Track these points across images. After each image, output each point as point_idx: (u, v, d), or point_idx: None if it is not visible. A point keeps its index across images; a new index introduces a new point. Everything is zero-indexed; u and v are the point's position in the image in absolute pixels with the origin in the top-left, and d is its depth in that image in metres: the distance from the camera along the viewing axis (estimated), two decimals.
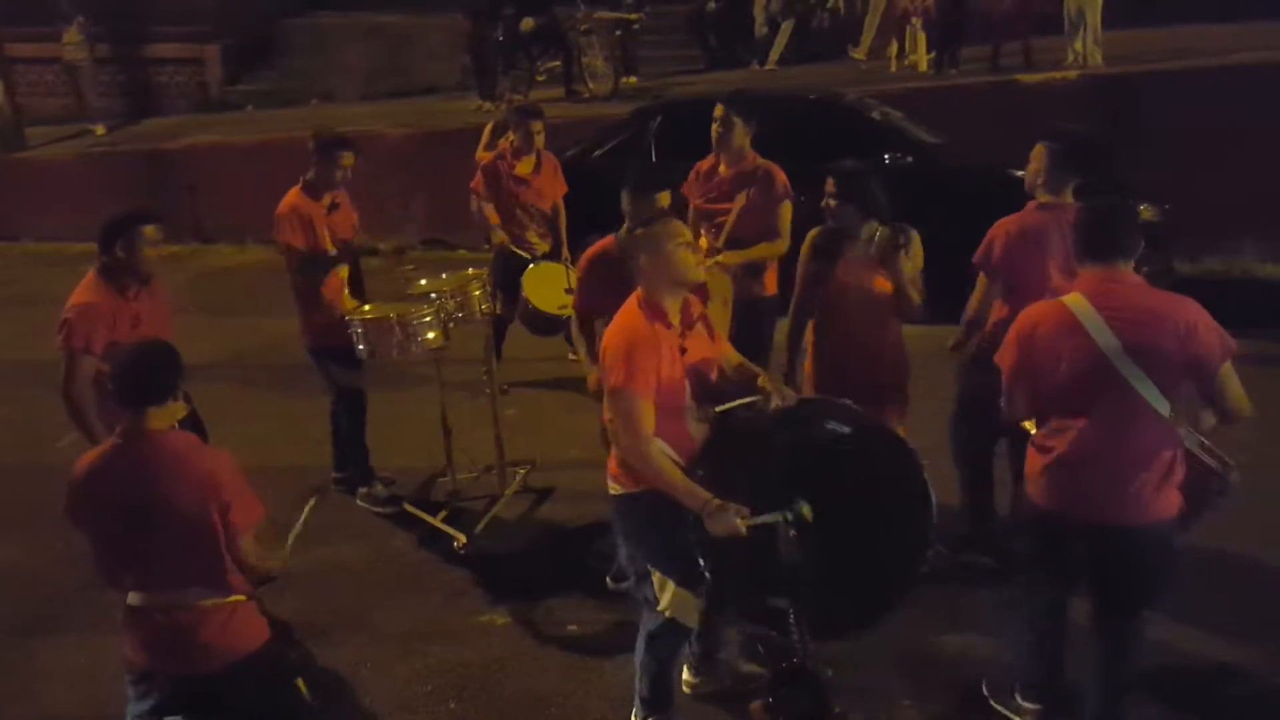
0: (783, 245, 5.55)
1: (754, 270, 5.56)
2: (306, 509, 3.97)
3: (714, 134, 5.60)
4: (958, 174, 8.29)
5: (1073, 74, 11.26)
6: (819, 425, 3.68)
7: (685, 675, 4.37)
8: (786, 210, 5.55)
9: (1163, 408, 3.45)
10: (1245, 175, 9.21)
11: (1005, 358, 3.73)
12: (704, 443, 3.72)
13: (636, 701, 4.08)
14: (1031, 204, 4.67)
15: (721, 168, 5.66)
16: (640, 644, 3.98)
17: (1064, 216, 4.27)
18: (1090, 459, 3.54)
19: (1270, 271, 9.34)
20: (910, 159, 8.41)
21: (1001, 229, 4.63)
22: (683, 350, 3.68)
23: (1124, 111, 10.14)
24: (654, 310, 3.66)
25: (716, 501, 3.43)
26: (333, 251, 5.73)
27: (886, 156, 8.29)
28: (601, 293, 4.44)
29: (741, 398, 3.77)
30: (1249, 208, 9.23)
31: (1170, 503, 3.58)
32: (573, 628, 4.97)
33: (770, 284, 5.69)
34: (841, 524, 3.46)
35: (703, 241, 5.45)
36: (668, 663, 4.01)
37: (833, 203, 4.67)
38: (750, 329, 5.35)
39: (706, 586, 3.67)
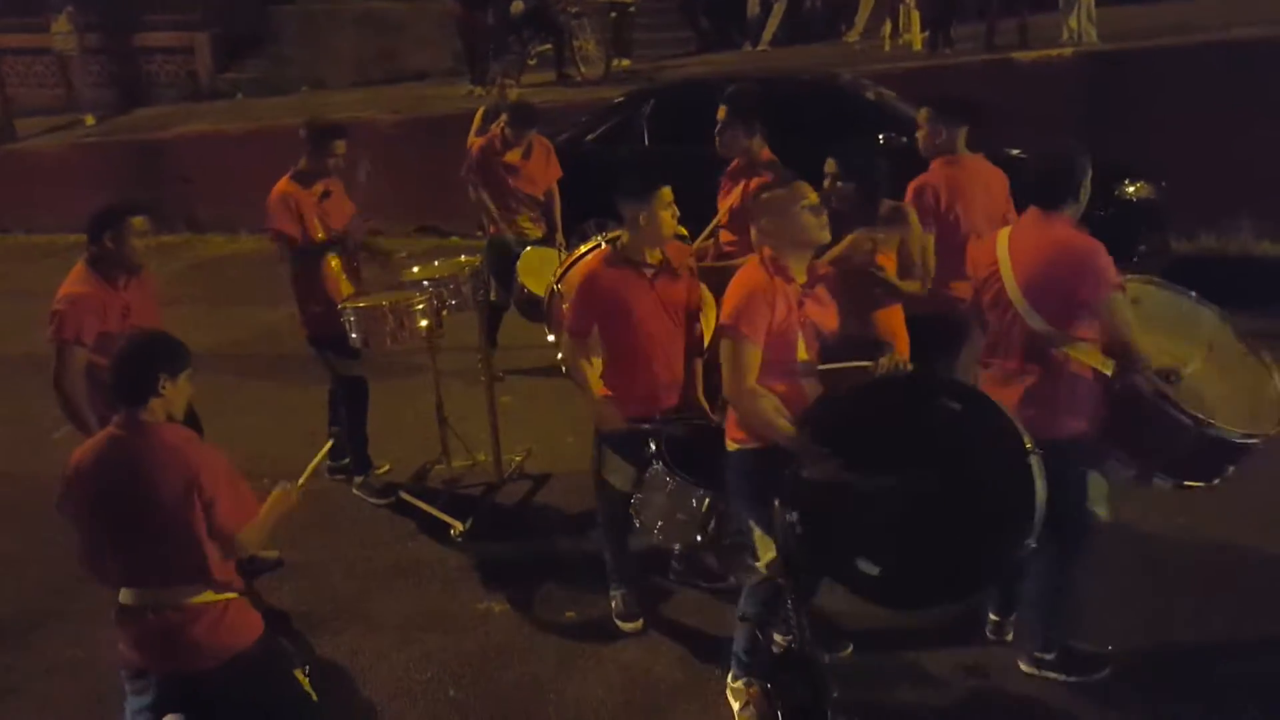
0: None
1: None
2: (322, 452, 4.04)
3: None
4: None
5: (1068, 51, 11.20)
6: (931, 396, 3.60)
7: (777, 636, 4.23)
8: None
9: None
10: (1242, 153, 9.18)
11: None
12: (814, 400, 3.74)
13: (732, 660, 4.14)
14: (936, 163, 5.09)
15: (735, 162, 5.60)
16: (741, 600, 4.03)
17: (971, 168, 5.05)
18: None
19: (1267, 249, 9.32)
20: (905, 139, 8.36)
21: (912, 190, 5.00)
22: (800, 303, 3.74)
23: (1119, 89, 10.10)
24: (777, 267, 3.73)
25: (817, 448, 3.48)
26: (321, 237, 5.68)
27: (882, 136, 8.26)
28: (596, 312, 4.39)
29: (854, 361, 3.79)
30: (1246, 186, 9.20)
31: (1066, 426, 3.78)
32: (571, 614, 4.96)
33: None
34: (941, 496, 3.38)
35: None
36: (764, 621, 3.99)
37: (838, 184, 4.64)
38: None
39: (801, 546, 3.59)
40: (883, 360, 3.68)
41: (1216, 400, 3.76)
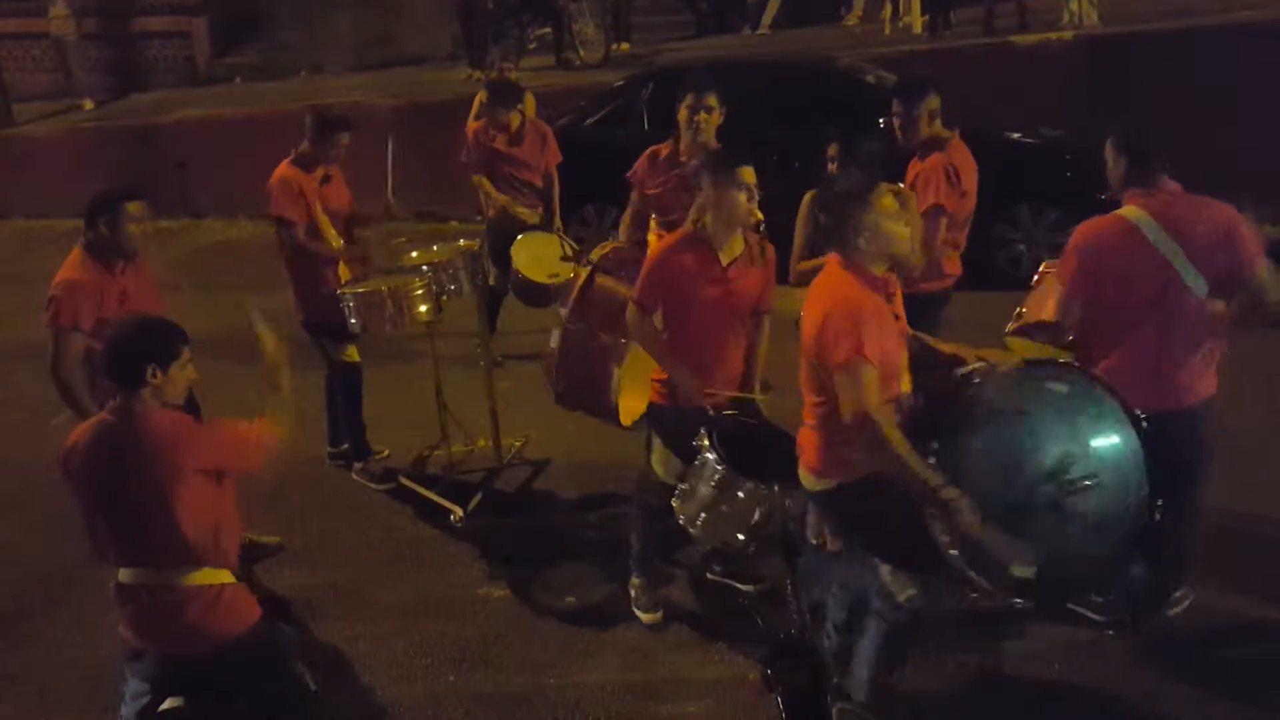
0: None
1: None
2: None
3: (697, 124, 5.10)
4: None
5: (1068, 35, 11.17)
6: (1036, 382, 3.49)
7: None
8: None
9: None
10: (1243, 135, 9.14)
11: (1064, 269, 3.92)
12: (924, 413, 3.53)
13: (857, 689, 3.76)
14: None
15: (683, 154, 5.21)
16: (868, 651, 3.67)
17: (961, 145, 5.01)
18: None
19: (1268, 233, 9.26)
20: None
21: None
22: (895, 316, 3.59)
23: (1119, 72, 10.06)
24: (869, 279, 3.51)
25: (954, 492, 3.21)
26: (331, 233, 5.67)
27: (882, 120, 8.22)
28: (663, 290, 4.17)
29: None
30: (1247, 168, 9.14)
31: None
32: (570, 599, 4.96)
33: None
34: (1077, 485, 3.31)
35: (653, 238, 5.25)
36: (900, 659, 3.75)
37: (834, 166, 4.67)
38: None
39: (955, 564, 3.38)
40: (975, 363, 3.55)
41: None
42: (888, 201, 3.51)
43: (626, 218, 5.61)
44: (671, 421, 4.26)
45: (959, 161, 5.00)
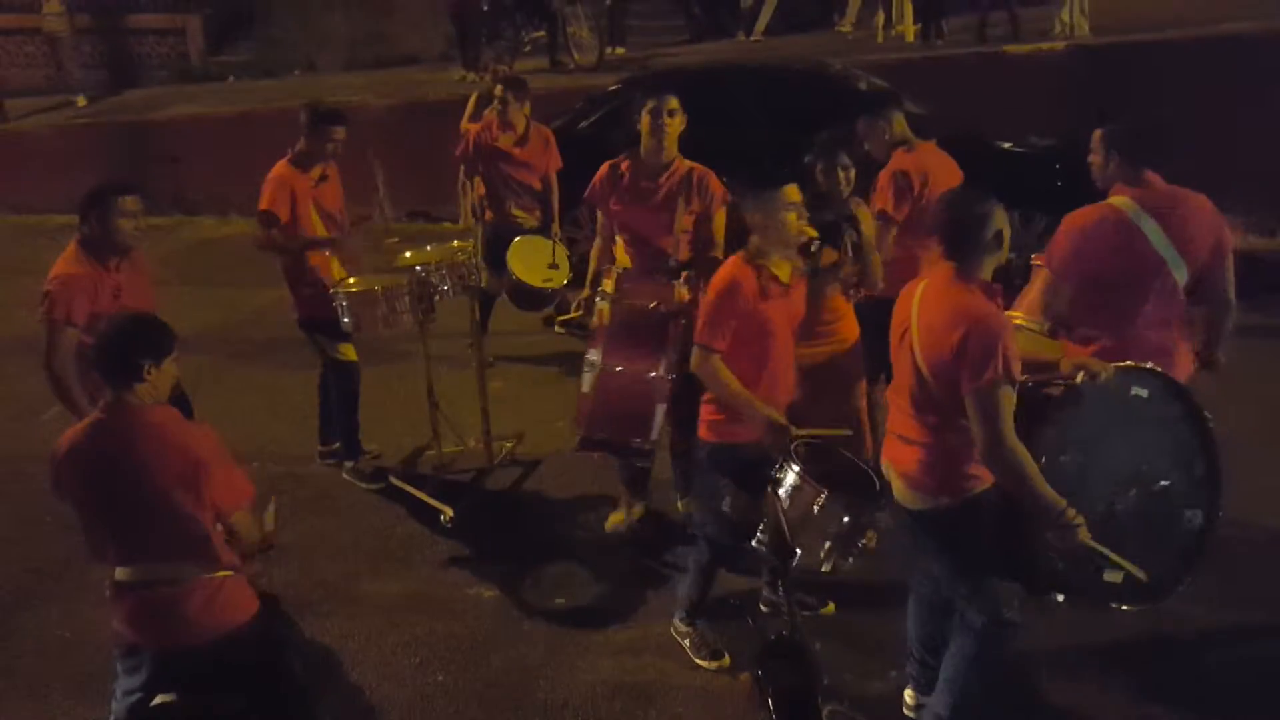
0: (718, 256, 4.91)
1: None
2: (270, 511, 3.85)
3: (661, 127, 4.89)
4: (943, 145, 8.28)
5: (1060, 45, 11.23)
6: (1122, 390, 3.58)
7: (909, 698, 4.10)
8: (722, 219, 4.98)
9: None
10: (1232, 146, 9.20)
11: (1052, 253, 4.08)
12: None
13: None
14: (898, 153, 5.29)
15: (649, 168, 5.00)
16: (959, 668, 3.66)
17: (930, 151, 5.29)
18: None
19: (1256, 244, 9.34)
20: None
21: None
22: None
23: (1110, 82, 10.12)
24: (988, 289, 3.42)
25: (1072, 515, 3.26)
26: (321, 231, 5.68)
27: None
28: (735, 325, 3.97)
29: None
30: (1234, 178, 9.21)
31: None
32: (560, 600, 4.98)
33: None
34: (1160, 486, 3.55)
35: (619, 252, 5.08)
36: (994, 675, 3.70)
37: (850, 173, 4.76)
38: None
39: (1050, 573, 3.49)
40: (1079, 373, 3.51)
41: None
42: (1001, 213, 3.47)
43: (596, 247, 5.30)
44: (742, 461, 4.04)
45: (930, 168, 5.14)
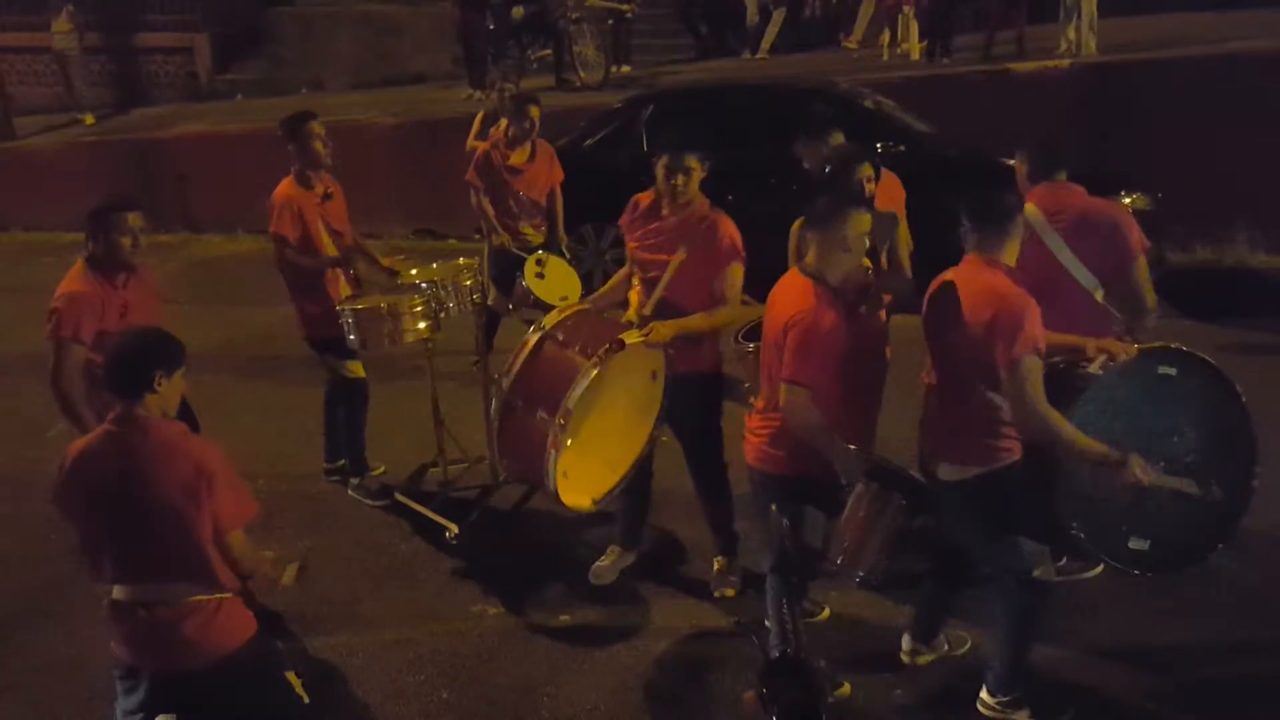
0: (725, 315, 4.64)
1: (692, 340, 4.65)
2: (292, 570, 3.90)
3: (674, 188, 4.64)
4: (950, 163, 8.30)
5: (1065, 63, 11.25)
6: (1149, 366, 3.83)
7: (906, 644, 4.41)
8: (734, 273, 4.62)
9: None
10: (1238, 164, 9.21)
11: None
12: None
13: (1004, 682, 4.00)
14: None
15: (665, 209, 4.75)
16: (1003, 635, 3.95)
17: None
18: None
19: (1262, 261, 9.34)
20: (903, 147, 8.40)
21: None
22: None
23: (1116, 100, 10.14)
24: (1012, 272, 3.69)
25: (1117, 454, 3.52)
26: (331, 253, 5.69)
27: (879, 145, 8.28)
28: (826, 356, 3.83)
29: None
30: (1241, 197, 9.24)
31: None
32: (565, 618, 4.96)
33: (710, 358, 4.80)
34: (1195, 454, 3.74)
35: (633, 296, 4.88)
36: (1035, 635, 3.97)
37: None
38: (690, 411, 4.79)
39: (1074, 540, 3.77)
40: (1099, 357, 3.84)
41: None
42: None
43: (620, 275, 5.12)
44: (818, 489, 3.97)
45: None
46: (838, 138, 5.25)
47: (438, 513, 5.76)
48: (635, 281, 4.90)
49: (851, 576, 3.91)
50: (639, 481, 4.99)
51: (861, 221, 3.85)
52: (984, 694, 4.08)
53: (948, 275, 3.85)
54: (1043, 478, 3.72)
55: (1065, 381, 3.74)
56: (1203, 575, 4.56)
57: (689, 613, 4.89)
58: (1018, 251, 3.76)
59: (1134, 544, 3.76)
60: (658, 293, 4.63)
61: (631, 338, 4.42)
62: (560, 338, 4.54)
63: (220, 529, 3.27)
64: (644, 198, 4.88)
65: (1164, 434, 3.76)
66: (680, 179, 4.61)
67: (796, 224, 4.69)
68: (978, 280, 3.69)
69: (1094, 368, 3.87)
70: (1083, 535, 3.74)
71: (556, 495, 4.44)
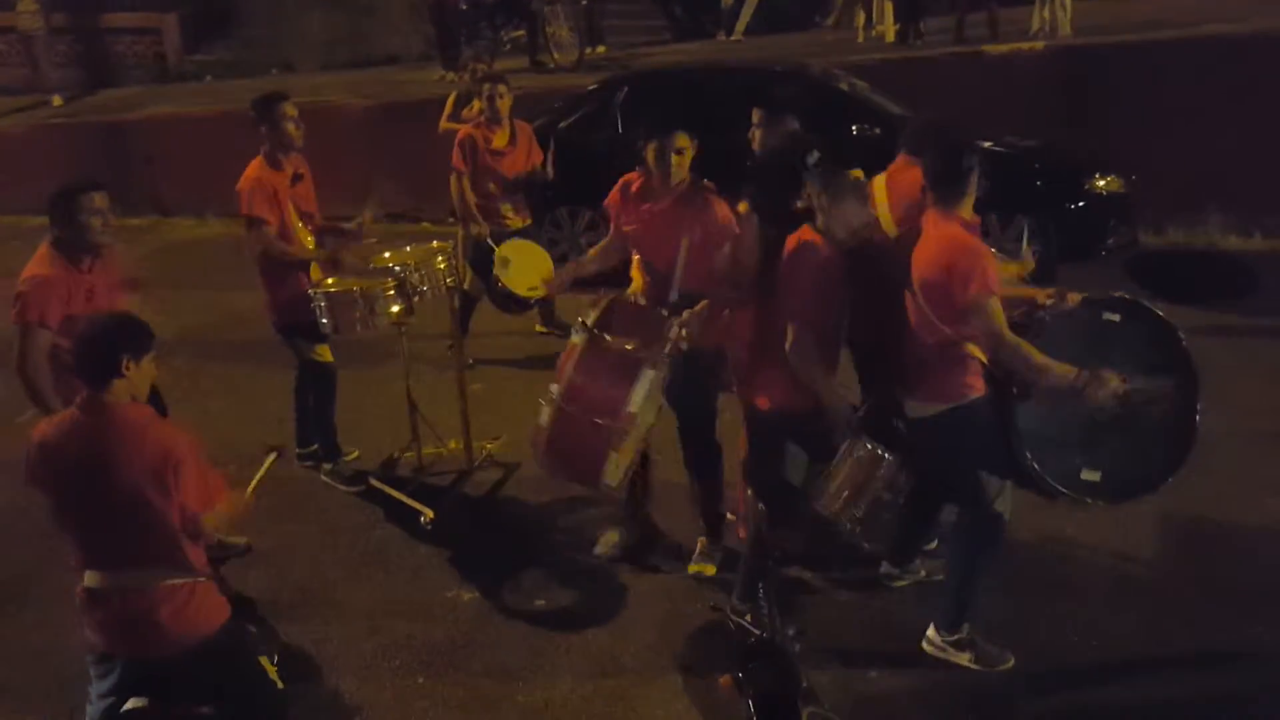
0: (728, 294, 4.57)
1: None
2: (266, 463, 4.00)
3: (668, 167, 4.64)
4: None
5: (1039, 45, 11.28)
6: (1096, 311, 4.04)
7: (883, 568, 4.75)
8: (731, 250, 4.62)
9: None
10: (1211, 147, 9.27)
11: None
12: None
13: (951, 618, 4.24)
14: None
15: (658, 190, 4.75)
16: (958, 564, 4.23)
17: None
18: None
19: (1234, 244, 9.41)
20: (878, 130, 8.40)
21: None
22: None
23: (1089, 82, 10.17)
24: (967, 224, 3.94)
25: (1088, 372, 3.72)
26: (304, 236, 5.63)
27: (854, 128, 8.27)
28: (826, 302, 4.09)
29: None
30: (1214, 180, 9.30)
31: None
32: (540, 602, 4.95)
33: (712, 336, 4.68)
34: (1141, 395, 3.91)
35: (635, 274, 4.90)
36: (987, 568, 4.21)
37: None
38: (687, 384, 4.71)
39: (1030, 473, 3.95)
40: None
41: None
42: None
43: (599, 247, 5.20)
44: (803, 429, 4.17)
45: None
46: (792, 123, 5.11)
47: (412, 498, 5.73)
48: (636, 262, 4.92)
49: (833, 524, 4.06)
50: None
51: (859, 176, 4.12)
52: (930, 631, 4.31)
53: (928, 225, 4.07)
54: (1001, 413, 3.97)
55: (1020, 332, 3.91)
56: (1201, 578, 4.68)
57: (666, 596, 4.88)
58: (972, 207, 3.99)
59: (1086, 475, 3.96)
60: (677, 282, 4.67)
61: (679, 333, 4.46)
62: (608, 339, 4.48)
63: (189, 515, 3.23)
64: (633, 179, 4.87)
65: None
66: (674, 159, 4.62)
67: (742, 206, 4.62)
68: (936, 230, 3.94)
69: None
70: (1037, 466, 3.92)
71: (610, 486, 4.45)
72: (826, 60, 11.04)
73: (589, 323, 4.47)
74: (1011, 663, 4.23)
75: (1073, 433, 3.92)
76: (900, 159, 4.65)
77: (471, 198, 7.23)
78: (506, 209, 7.27)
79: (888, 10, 13.37)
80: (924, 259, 3.93)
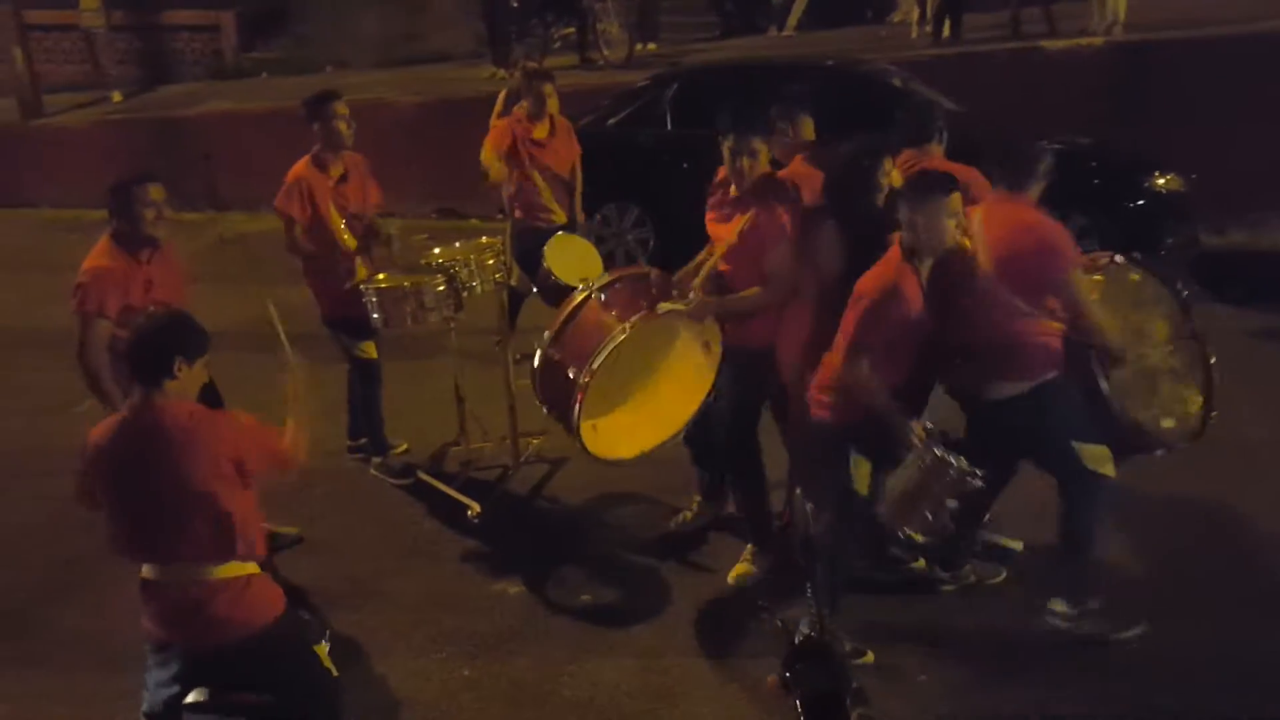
0: (758, 297, 4.59)
1: (742, 315, 4.70)
2: (272, 314, 4.23)
3: (740, 169, 4.59)
4: (978, 143, 8.19)
5: (1098, 40, 11.08)
6: None
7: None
8: (783, 254, 4.52)
9: None
10: (1272, 146, 9.07)
11: None
12: None
13: (1075, 590, 4.30)
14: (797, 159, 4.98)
15: (732, 187, 4.72)
16: (1077, 528, 4.25)
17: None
18: None
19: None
20: None
21: None
22: None
23: (1150, 80, 9.99)
24: (1038, 206, 4.12)
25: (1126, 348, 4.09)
26: (345, 237, 5.67)
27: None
28: (895, 326, 4.07)
29: None
30: (1276, 179, 9.09)
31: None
32: (585, 597, 4.97)
33: (758, 335, 4.66)
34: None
35: (705, 266, 4.83)
36: (1102, 535, 4.31)
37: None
38: (731, 383, 4.78)
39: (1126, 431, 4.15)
40: None
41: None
42: None
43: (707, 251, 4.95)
44: (873, 431, 4.12)
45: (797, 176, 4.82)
46: (808, 124, 5.02)
47: (460, 491, 5.77)
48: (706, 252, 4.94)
49: (895, 531, 4.19)
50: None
51: (956, 201, 4.01)
52: (1058, 604, 4.33)
53: (977, 212, 4.18)
54: (1085, 379, 4.12)
55: None
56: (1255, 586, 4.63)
57: (712, 595, 4.88)
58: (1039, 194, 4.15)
59: (1165, 423, 4.24)
60: (706, 268, 4.73)
61: (665, 306, 4.56)
62: (603, 299, 4.70)
63: (281, 466, 3.49)
64: (721, 172, 4.81)
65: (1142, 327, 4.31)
66: (745, 161, 4.55)
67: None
68: (1014, 211, 4.08)
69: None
70: (1136, 420, 4.14)
71: (583, 446, 4.66)
72: (880, 56, 10.93)
73: (595, 283, 4.72)
74: (1140, 630, 4.28)
75: (1139, 386, 4.16)
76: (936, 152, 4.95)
77: (502, 176, 7.17)
78: (549, 200, 7.20)
79: (930, 6, 13.00)
80: (1000, 240, 4.03)
